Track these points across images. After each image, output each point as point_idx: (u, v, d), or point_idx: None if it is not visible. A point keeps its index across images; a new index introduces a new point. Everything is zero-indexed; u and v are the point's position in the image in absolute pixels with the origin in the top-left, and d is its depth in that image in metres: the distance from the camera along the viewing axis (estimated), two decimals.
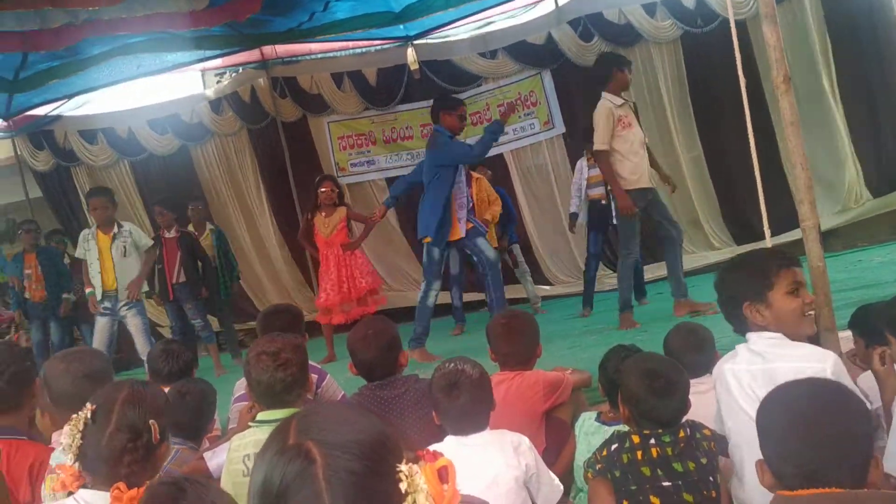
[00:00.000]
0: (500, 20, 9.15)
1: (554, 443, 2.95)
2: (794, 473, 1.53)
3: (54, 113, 9.12)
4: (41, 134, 9.37)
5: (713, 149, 8.78)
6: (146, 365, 3.69)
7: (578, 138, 7.76)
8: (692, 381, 2.63)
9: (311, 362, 3.33)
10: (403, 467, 1.00)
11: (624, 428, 2.47)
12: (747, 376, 2.27)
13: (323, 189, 6.60)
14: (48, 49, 6.96)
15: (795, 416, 1.59)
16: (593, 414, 2.86)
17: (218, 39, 7.99)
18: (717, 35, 8.41)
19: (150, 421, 1.91)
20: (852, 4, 8.45)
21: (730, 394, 2.32)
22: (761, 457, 1.63)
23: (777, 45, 2.79)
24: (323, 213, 6.62)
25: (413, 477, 0.99)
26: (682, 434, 2.32)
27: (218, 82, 9.75)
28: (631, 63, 5.85)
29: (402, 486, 0.99)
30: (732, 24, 3.75)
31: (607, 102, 5.47)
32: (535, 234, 9.30)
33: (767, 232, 3.61)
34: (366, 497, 0.97)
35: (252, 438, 2.51)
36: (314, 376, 3.30)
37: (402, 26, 8.69)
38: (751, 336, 2.37)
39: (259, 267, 9.74)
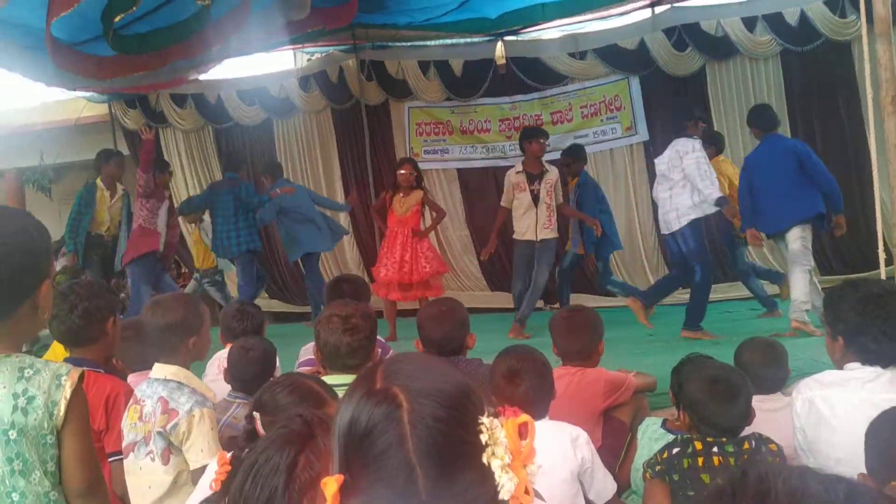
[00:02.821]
0: (593, 22, 9.07)
1: (610, 442, 2.92)
2: None
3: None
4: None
5: None
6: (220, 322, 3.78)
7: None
8: (763, 398, 2.57)
9: (378, 337, 3.39)
10: (485, 420, 1.02)
11: None
12: (867, 405, 2.14)
13: (402, 171, 6.81)
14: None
15: None
16: (658, 420, 2.81)
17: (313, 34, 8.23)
18: (819, 55, 8.17)
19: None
20: None
21: (835, 419, 2.26)
22: None
23: (889, 64, 2.69)
24: (401, 194, 6.79)
25: (494, 430, 1.01)
26: (746, 446, 2.26)
27: (308, 60, 9.91)
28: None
29: (483, 438, 1.00)
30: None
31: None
32: None
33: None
34: (447, 444, 0.99)
35: None
36: (378, 350, 3.35)
37: None
38: (855, 366, 2.32)
39: None
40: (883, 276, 3.19)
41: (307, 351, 3.36)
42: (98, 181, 7.28)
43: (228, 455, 1.51)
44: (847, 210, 7.95)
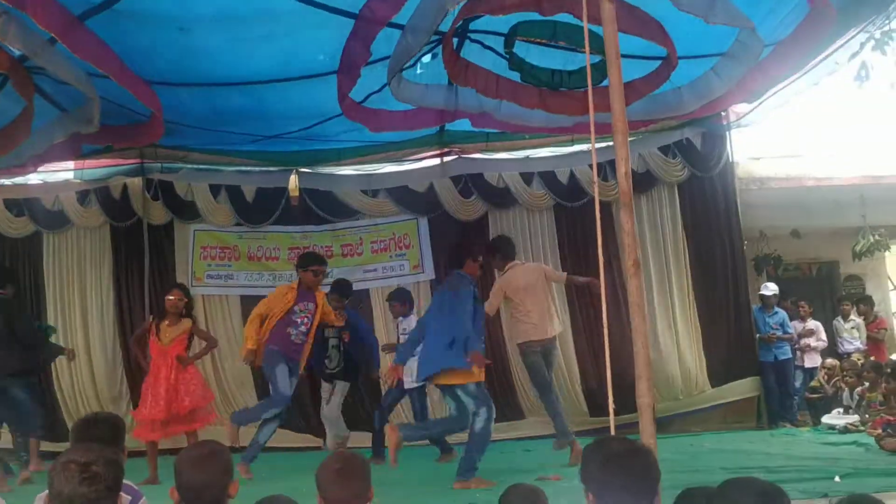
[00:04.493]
0: (387, 164, 9.46)
1: None
2: None
3: None
4: None
5: (582, 319, 9.12)
6: None
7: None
8: None
9: (127, 482, 3.08)
10: None
11: None
12: None
13: (171, 297, 6.52)
14: None
15: None
16: None
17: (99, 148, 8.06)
18: (587, 211, 9.00)
19: None
20: (704, 199, 9.29)
21: None
22: None
23: (630, 231, 3.02)
24: (168, 322, 6.44)
25: None
26: None
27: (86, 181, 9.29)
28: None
29: None
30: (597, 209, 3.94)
31: None
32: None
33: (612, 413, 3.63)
34: None
35: None
36: (127, 497, 3.04)
37: None
38: None
39: (83, 373, 8.89)
40: (612, 427, 3.41)
41: (40, 499, 2.98)
42: None
43: None
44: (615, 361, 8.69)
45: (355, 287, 9.06)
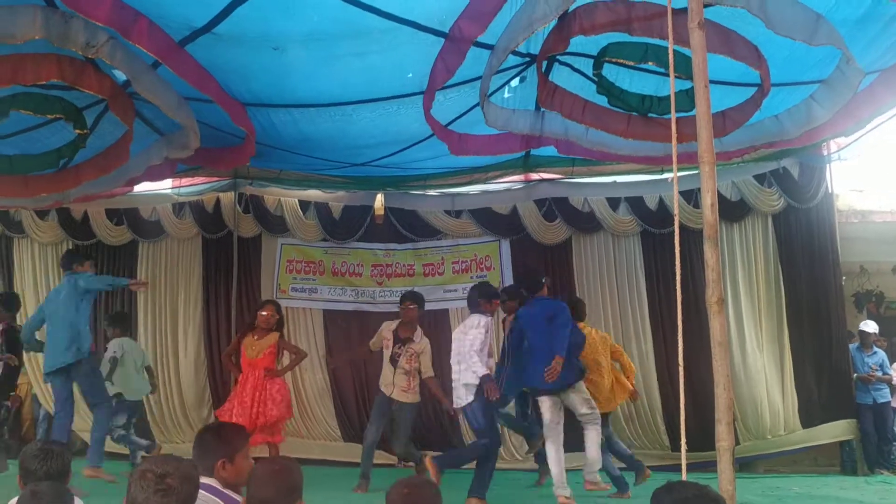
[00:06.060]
0: (470, 185, 9.46)
1: None
2: None
3: None
4: None
5: (665, 349, 8.86)
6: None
7: None
8: None
9: (230, 493, 3.11)
10: None
11: None
12: None
13: (264, 312, 6.64)
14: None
15: None
16: None
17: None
18: (674, 238, 8.74)
19: None
20: (801, 231, 8.92)
21: None
22: None
23: (715, 266, 2.90)
24: (255, 336, 6.56)
25: None
26: None
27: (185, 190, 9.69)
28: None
29: None
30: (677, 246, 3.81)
31: None
32: None
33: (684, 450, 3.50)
34: None
35: None
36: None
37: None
38: None
39: (171, 377, 9.26)
40: (684, 472, 3.26)
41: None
42: None
43: None
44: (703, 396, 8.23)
45: (437, 306, 9.11)
